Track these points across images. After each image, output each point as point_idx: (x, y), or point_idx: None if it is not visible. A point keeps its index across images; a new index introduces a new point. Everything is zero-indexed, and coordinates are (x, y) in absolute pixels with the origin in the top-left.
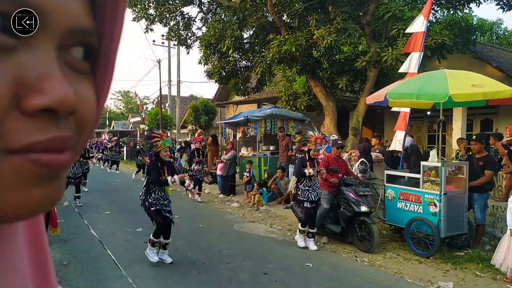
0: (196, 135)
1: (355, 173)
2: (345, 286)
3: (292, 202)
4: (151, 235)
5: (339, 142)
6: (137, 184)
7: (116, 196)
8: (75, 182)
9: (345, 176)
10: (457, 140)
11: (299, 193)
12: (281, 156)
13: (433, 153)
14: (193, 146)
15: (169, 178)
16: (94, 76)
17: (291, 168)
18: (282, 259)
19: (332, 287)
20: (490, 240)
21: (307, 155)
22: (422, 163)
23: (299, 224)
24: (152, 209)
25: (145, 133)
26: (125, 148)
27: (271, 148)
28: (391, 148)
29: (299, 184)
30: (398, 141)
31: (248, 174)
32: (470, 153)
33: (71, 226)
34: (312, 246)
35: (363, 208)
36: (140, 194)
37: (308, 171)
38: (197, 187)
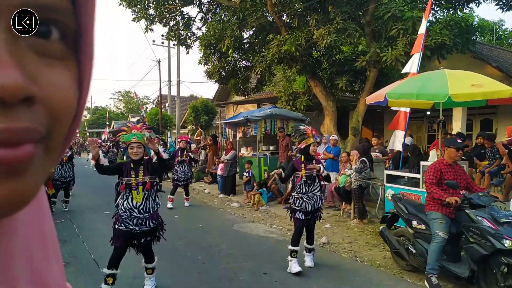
0: (195, 136)
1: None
2: (345, 286)
3: (381, 227)
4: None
5: (458, 140)
6: None
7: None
8: (64, 185)
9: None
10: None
11: (292, 201)
12: (281, 156)
13: (433, 153)
14: (178, 145)
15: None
16: (78, 62)
17: None
18: (282, 259)
19: (332, 287)
20: None
21: (302, 157)
22: (422, 163)
23: (289, 245)
24: (116, 226)
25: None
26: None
27: (271, 148)
28: (389, 147)
29: (293, 191)
30: (398, 141)
31: (247, 174)
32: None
33: (71, 227)
34: (309, 262)
35: (509, 243)
36: None
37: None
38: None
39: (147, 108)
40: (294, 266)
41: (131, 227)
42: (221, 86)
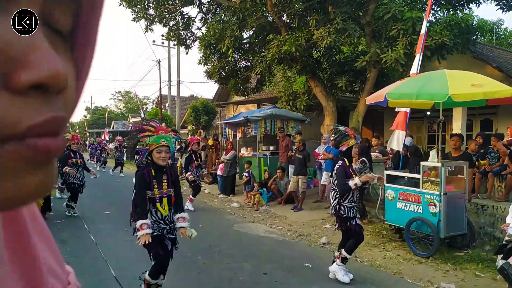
0: (196, 136)
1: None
2: (345, 286)
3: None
4: (147, 273)
5: None
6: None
7: (116, 196)
8: (79, 188)
9: None
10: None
11: (343, 212)
12: (281, 157)
13: (433, 153)
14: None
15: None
16: (72, 50)
17: (291, 168)
18: (282, 259)
19: (332, 287)
20: (490, 240)
21: (347, 161)
22: (422, 163)
23: (343, 250)
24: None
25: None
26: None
27: (271, 148)
28: (388, 147)
29: (342, 201)
30: (397, 141)
31: (247, 175)
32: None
33: (72, 227)
34: (346, 275)
35: None
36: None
37: (354, 182)
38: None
39: (146, 108)
40: (343, 274)
41: (164, 234)
42: (221, 86)
